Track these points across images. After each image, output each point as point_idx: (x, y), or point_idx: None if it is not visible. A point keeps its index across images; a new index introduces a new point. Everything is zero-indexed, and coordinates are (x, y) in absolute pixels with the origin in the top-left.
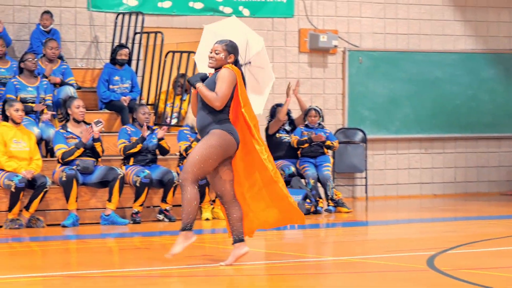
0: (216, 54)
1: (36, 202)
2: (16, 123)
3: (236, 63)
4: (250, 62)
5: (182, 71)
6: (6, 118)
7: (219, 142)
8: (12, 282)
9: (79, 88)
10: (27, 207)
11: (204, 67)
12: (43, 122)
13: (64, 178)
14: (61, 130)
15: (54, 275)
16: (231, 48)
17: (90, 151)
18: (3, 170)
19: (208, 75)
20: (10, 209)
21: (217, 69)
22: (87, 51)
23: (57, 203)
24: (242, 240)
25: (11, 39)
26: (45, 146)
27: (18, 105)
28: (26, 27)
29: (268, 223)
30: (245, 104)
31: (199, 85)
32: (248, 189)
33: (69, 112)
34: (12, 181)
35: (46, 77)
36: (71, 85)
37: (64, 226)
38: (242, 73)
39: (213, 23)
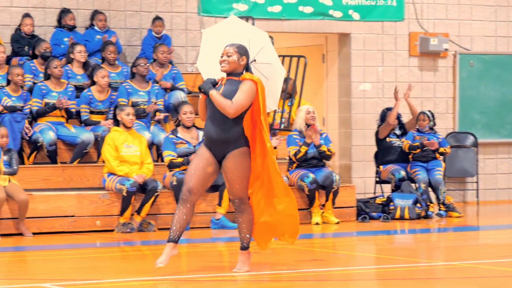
0: (228, 57)
1: (147, 206)
2: (127, 127)
3: (247, 66)
4: (255, 60)
5: (291, 75)
6: (117, 123)
7: (249, 160)
8: (123, 286)
9: (189, 92)
10: (138, 211)
11: (208, 73)
12: (154, 126)
13: (174, 183)
14: (171, 136)
15: (164, 279)
16: (243, 50)
17: None
18: (114, 174)
19: (217, 80)
20: (121, 213)
21: (230, 73)
22: (197, 56)
23: (167, 207)
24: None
25: (122, 44)
26: (156, 150)
27: (129, 110)
28: (137, 32)
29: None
30: (264, 112)
31: (213, 92)
32: (262, 196)
33: (179, 118)
34: (124, 185)
35: (157, 82)
36: (182, 89)
37: None
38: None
39: (210, 26)
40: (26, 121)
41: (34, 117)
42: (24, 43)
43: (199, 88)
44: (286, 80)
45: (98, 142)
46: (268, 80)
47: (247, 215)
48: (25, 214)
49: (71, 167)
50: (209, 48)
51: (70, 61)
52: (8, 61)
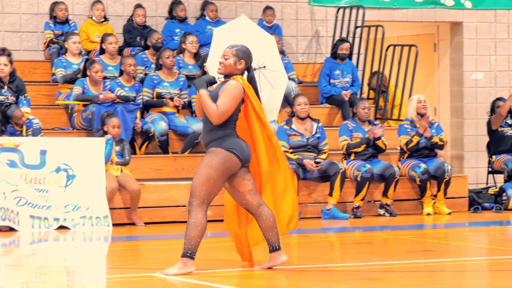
0: (225, 59)
1: None
2: None
3: (248, 70)
4: (265, 66)
5: (403, 65)
6: None
7: (217, 161)
8: (243, 275)
9: (300, 82)
10: None
11: (216, 73)
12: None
13: None
14: (285, 126)
15: (277, 269)
16: (242, 54)
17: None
18: None
19: (217, 79)
20: None
21: (226, 76)
22: (308, 45)
23: None
24: (277, 249)
25: None
26: None
27: None
28: None
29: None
30: (260, 115)
31: (203, 92)
32: (271, 190)
33: (293, 109)
34: None
35: None
36: (293, 79)
37: None
38: (255, 83)
39: (222, 25)
40: (138, 112)
41: (145, 107)
42: (136, 34)
43: (193, 83)
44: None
45: None
46: (274, 89)
47: (189, 218)
48: (137, 204)
49: (182, 157)
50: (217, 49)
51: (182, 51)
52: (120, 51)
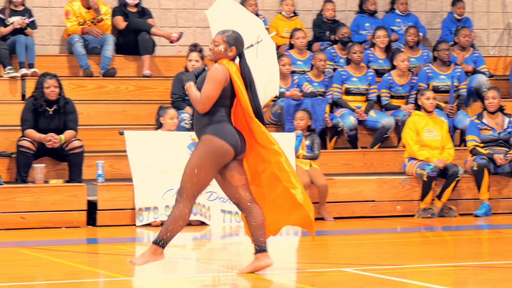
0: (216, 46)
1: (448, 191)
2: (428, 111)
3: (240, 57)
4: (262, 40)
5: None
6: (418, 107)
7: (208, 149)
8: (423, 271)
9: (491, 76)
10: (439, 196)
11: None
12: (460, 112)
13: (475, 168)
14: (476, 121)
15: (465, 265)
16: (233, 40)
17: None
18: (415, 159)
19: (206, 68)
20: (422, 198)
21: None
22: (500, 38)
23: (469, 192)
24: (264, 250)
25: (425, 28)
26: (460, 135)
27: (430, 94)
28: (438, 15)
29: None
30: (244, 101)
31: (188, 85)
32: (268, 188)
33: (484, 103)
34: (424, 170)
35: (458, 65)
36: (483, 73)
37: (476, 216)
38: (248, 69)
39: (210, 7)
40: (327, 107)
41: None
42: (325, 28)
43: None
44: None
45: (399, 127)
46: (268, 65)
47: (173, 210)
48: (325, 199)
49: (371, 151)
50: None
51: (372, 45)
52: (309, 46)
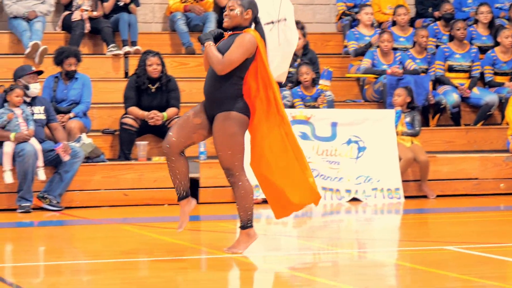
0: (231, 10)
1: None
2: None
3: (256, 21)
4: (285, 19)
5: None
6: None
7: (238, 126)
8: None
9: None
10: None
11: None
12: None
13: None
14: None
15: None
16: (248, 3)
17: None
18: None
19: (223, 34)
20: None
21: (234, 29)
22: None
23: None
24: (187, 196)
25: None
26: None
27: None
28: None
29: (295, 205)
30: (269, 77)
31: (208, 43)
32: (276, 168)
33: None
34: None
35: None
36: None
37: None
38: (263, 36)
39: None
40: (430, 84)
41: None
42: (428, 5)
43: (199, 38)
44: None
45: (502, 104)
46: (285, 48)
47: (238, 190)
48: (426, 176)
49: (474, 129)
50: None
51: (476, 22)
52: (412, 23)
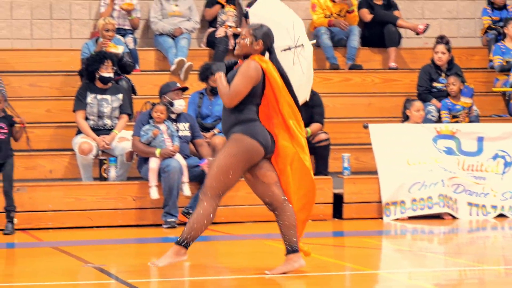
0: (242, 39)
1: None
2: None
3: (269, 52)
4: (302, 45)
5: None
6: None
7: (238, 149)
8: None
9: None
10: None
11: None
12: None
13: None
14: None
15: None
16: (260, 34)
17: None
18: None
19: (239, 62)
20: None
21: (245, 58)
22: None
23: None
24: (296, 251)
25: None
26: None
27: None
28: None
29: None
30: (283, 101)
31: (218, 75)
32: (295, 190)
33: None
34: None
35: None
36: None
37: None
38: (279, 65)
39: (254, 5)
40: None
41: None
42: None
43: (211, 68)
44: None
45: None
46: (304, 74)
47: (198, 207)
48: None
49: None
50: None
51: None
52: None
